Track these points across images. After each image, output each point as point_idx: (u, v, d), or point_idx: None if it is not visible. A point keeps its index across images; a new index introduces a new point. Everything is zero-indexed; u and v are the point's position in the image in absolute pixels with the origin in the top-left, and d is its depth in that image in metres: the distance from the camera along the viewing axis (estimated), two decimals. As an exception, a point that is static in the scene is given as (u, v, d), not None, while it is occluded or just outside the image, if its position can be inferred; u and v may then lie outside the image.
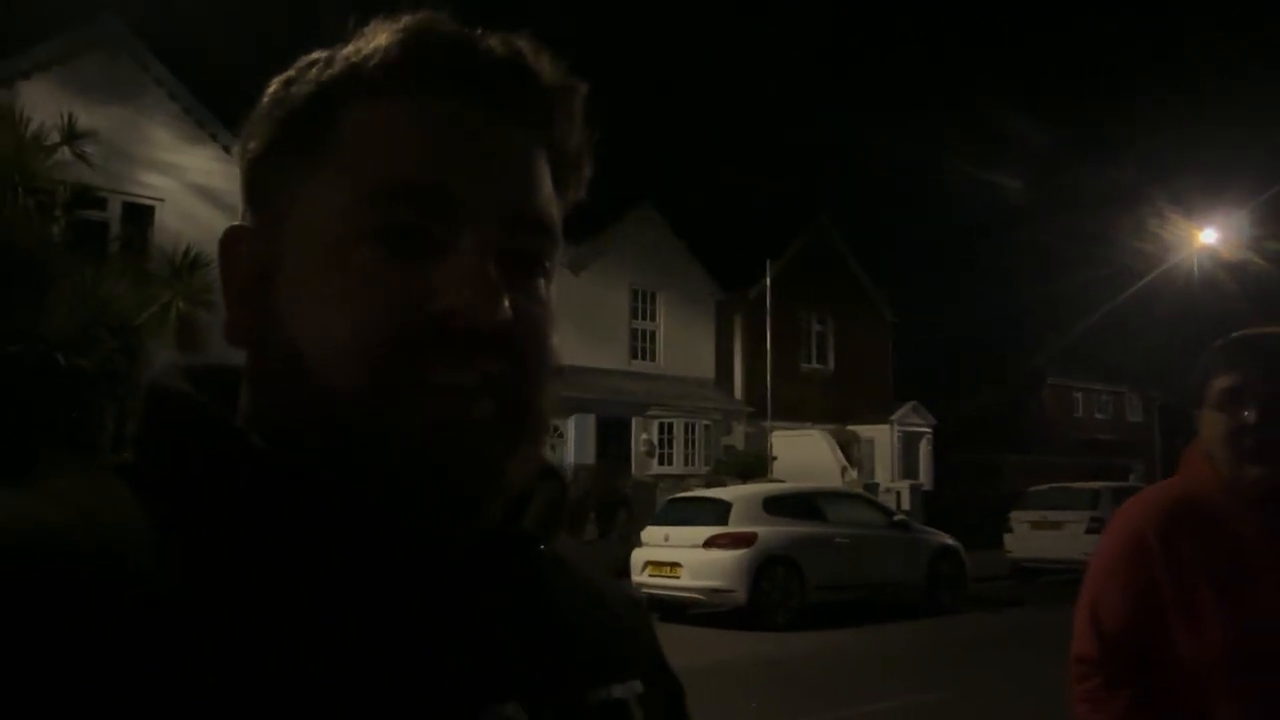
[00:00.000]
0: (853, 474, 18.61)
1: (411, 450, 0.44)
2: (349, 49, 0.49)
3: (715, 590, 9.28)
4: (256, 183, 0.50)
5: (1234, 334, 1.48)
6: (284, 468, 0.44)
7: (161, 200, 12.90)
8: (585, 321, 17.13)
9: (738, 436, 19.38)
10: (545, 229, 0.50)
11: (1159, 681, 1.45)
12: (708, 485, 13.37)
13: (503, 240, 0.47)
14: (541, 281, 0.50)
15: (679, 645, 5.45)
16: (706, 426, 19.15)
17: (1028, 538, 13.84)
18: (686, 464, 18.37)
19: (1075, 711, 1.52)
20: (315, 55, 0.50)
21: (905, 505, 16.42)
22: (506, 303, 0.46)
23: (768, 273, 19.95)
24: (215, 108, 13.36)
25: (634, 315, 19.01)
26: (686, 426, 18.83)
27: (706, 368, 20.19)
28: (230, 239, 0.51)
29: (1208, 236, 18.80)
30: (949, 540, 11.24)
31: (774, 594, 9.40)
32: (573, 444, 16.62)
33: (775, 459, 18.16)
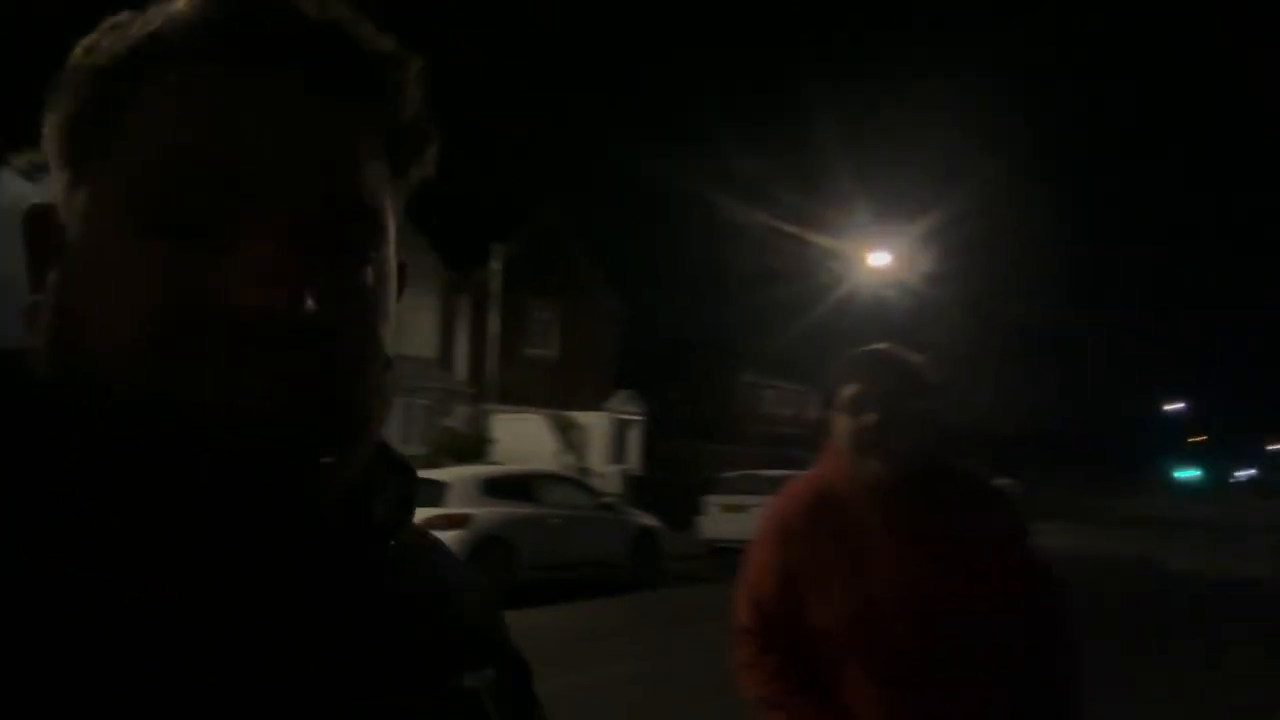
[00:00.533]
0: (569, 458, 19.16)
1: (204, 456, 0.41)
2: (153, 11, 0.46)
3: (427, 572, 9.20)
4: (58, 157, 0.47)
5: (857, 349, 1.69)
6: (88, 476, 0.42)
7: None
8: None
9: (458, 418, 19.20)
10: (362, 213, 0.46)
11: (801, 648, 1.64)
12: (426, 467, 13.17)
13: (308, 226, 0.43)
14: (366, 269, 0.46)
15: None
16: (426, 407, 18.78)
17: (719, 520, 15.06)
18: (404, 444, 17.90)
19: (738, 675, 1.71)
20: (120, 17, 0.46)
21: (615, 489, 17.22)
22: (308, 295, 0.42)
23: (495, 256, 19.93)
24: None
25: (355, 288, 18.14)
26: (405, 406, 18.34)
27: (428, 347, 19.78)
28: (30, 217, 0.48)
29: (880, 259, 21.51)
30: (650, 521, 11.99)
31: (488, 573, 9.43)
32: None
33: (495, 442, 18.22)
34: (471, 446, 17.45)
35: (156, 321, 0.41)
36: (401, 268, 0.52)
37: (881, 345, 1.71)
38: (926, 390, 1.64)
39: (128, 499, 0.42)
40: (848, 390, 1.64)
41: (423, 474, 11.95)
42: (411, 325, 19.21)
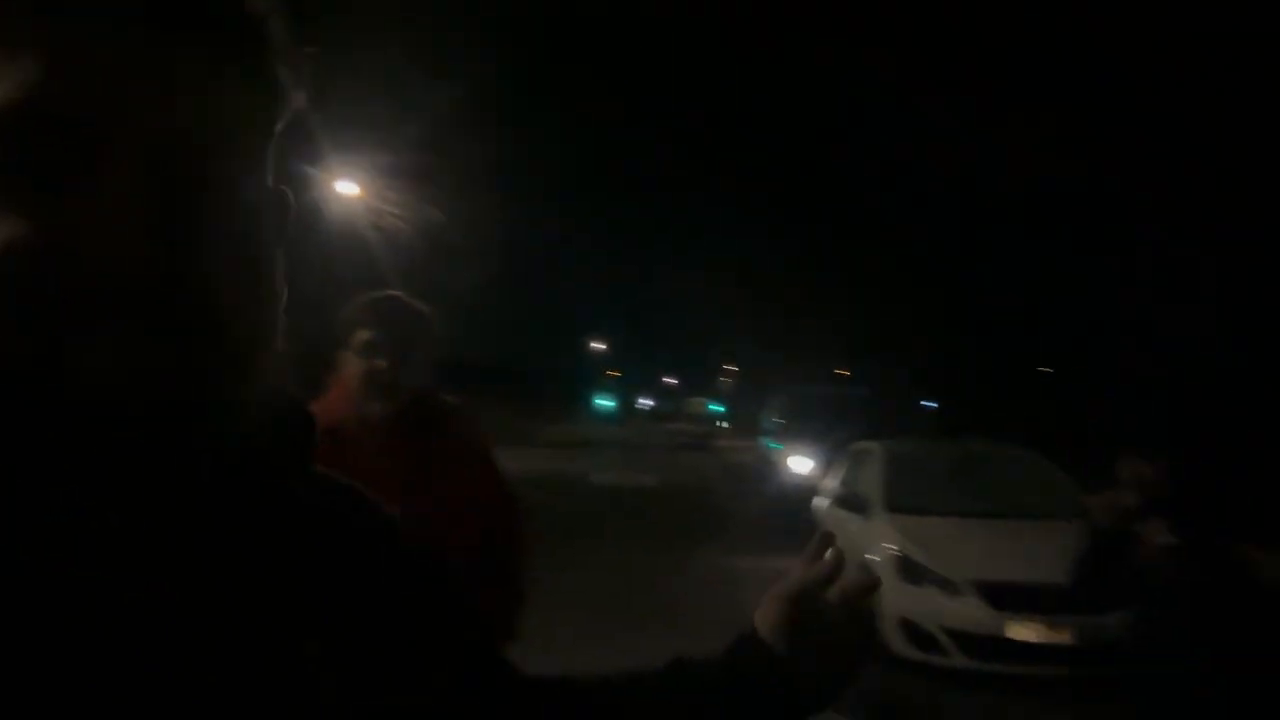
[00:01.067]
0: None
1: (81, 416, 0.40)
2: None
3: None
4: None
5: (371, 295, 1.81)
6: None
7: None
8: None
9: None
10: (220, 151, 0.44)
11: None
12: None
13: (164, 170, 0.42)
14: (230, 208, 0.45)
15: None
16: None
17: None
18: None
19: None
20: None
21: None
22: (168, 239, 0.41)
23: None
24: None
25: None
26: None
27: None
28: None
29: (348, 188, 21.10)
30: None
31: None
32: None
33: None
34: None
35: (8, 277, 0.40)
36: (282, 197, 0.50)
37: (393, 293, 1.85)
38: (432, 336, 1.82)
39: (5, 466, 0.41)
40: (361, 335, 1.75)
41: None
42: None
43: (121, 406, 0.40)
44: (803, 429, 12.97)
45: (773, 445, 14.17)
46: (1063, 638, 5.42)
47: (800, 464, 12.37)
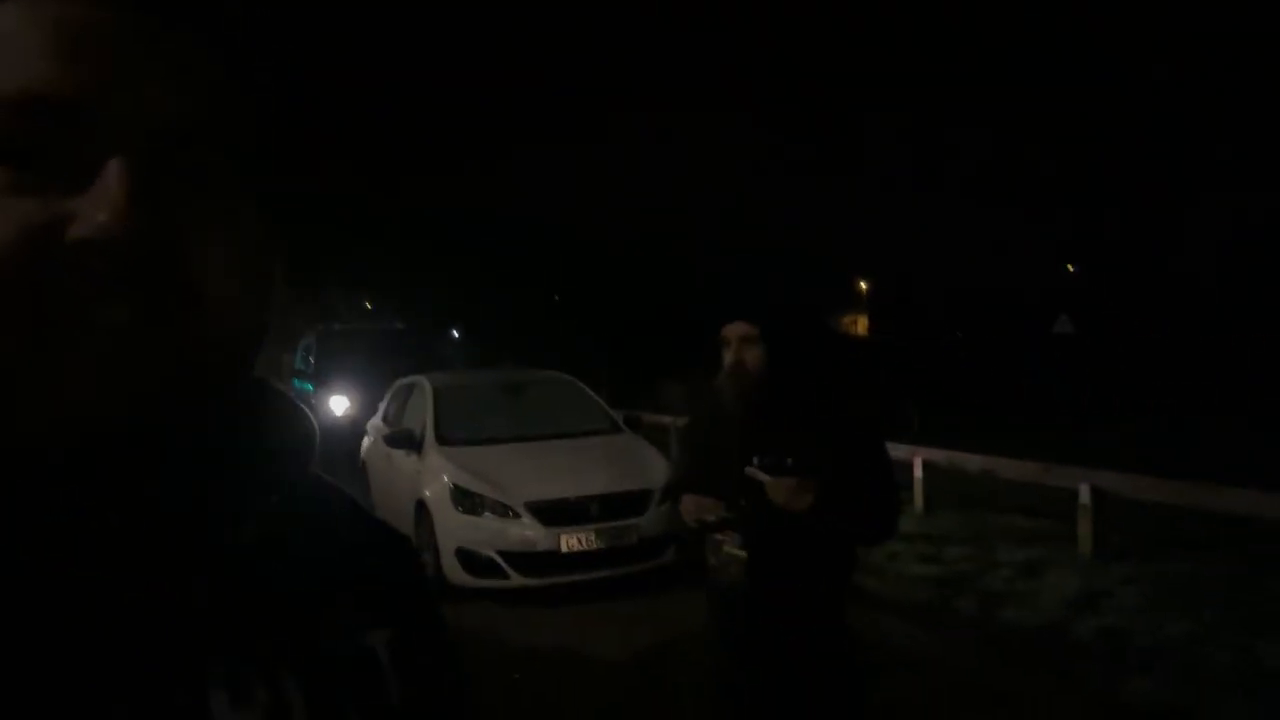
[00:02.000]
0: None
1: (57, 411, 0.40)
2: None
3: None
4: None
5: None
6: None
7: None
8: None
9: None
10: (214, 139, 0.44)
11: None
12: None
13: (152, 155, 0.42)
14: (217, 196, 0.44)
15: None
16: None
17: None
18: None
19: None
20: None
21: None
22: (156, 224, 0.41)
23: None
24: None
25: None
26: None
27: None
28: None
29: None
30: None
31: None
32: None
33: None
34: None
35: (3, 261, 0.40)
36: (263, 194, 0.48)
37: None
38: None
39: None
40: None
41: None
42: None
43: (113, 399, 0.41)
44: (337, 369, 12.44)
45: (305, 387, 13.36)
46: (599, 544, 6.02)
47: (337, 404, 11.89)
